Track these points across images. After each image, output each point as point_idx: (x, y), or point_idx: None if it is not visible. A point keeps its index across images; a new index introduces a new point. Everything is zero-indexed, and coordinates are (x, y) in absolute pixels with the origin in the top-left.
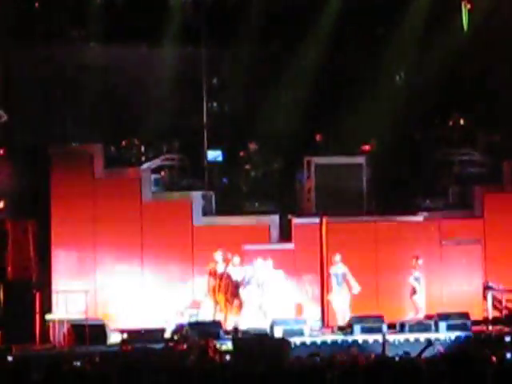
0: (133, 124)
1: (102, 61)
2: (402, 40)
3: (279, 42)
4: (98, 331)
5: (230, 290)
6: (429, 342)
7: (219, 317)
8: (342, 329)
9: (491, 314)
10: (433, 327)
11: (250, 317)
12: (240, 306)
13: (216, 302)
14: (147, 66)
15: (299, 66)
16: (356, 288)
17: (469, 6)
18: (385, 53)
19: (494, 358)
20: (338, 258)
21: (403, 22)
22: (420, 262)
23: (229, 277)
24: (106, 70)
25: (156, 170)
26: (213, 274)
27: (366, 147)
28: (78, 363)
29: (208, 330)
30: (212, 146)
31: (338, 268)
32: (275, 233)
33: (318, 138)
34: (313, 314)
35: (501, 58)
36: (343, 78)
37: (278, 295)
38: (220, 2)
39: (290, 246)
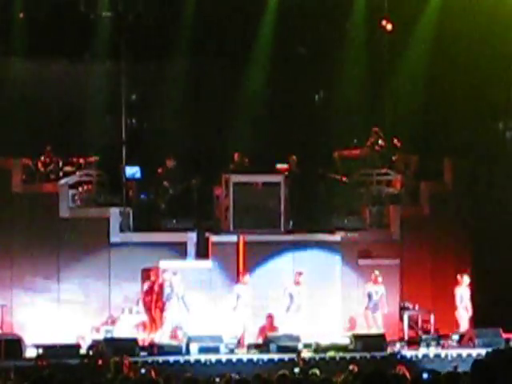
0: (51, 139)
1: (23, 75)
2: (322, 59)
3: (201, 58)
4: (14, 346)
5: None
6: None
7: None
8: (257, 347)
9: (407, 334)
10: (349, 346)
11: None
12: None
13: (153, 319)
14: (68, 81)
15: (219, 82)
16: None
17: (389, 27)
18: (304, 71)
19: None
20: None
21: (324, 41)
22: (301, 278)
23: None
24: (27, 84)
25: (74, 186)
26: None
27: (284, 166)
28: None
29: (123, 347)
30: (130, 163)
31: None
32: (192, 250)
33: (236, 156)
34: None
35: (421, 79)
36: (261, 96)
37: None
38: (141, 18)
39: (207, 263)
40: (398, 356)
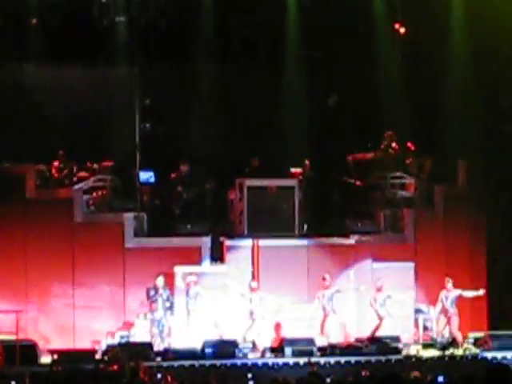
0: (65, 144)
1: (37, 81)
2: (335, 63)
3: (215, 65)
4: (29, 351)
5: None
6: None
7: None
8: (273, 351)
9: (422, 337)
10: (364, 350)
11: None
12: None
13: None
14: (82, 87)
15: (231, 89)
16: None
17: (402, 30)
18: (317, 75)
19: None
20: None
21: (339, 45)
22: (327, 282)
23: None
24: (41, 89)
25: (88, 191)
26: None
27: (298, 170)
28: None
29: (139, 352)
30: (144, 168)
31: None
32: (207, 254)
33: (254, 162)
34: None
35: (434, 83)
36: (275, 100)
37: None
38: (154, 23)
39: (222, 267)
40: (413, 359)
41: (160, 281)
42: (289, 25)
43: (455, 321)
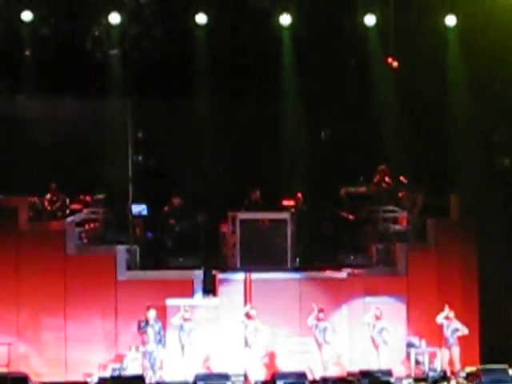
0: (58, 176)
1: (29, 113)
2: (328, 96)
3: (208, 99)
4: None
5: None
6: None
7: None
8: None
9: (414, 371)
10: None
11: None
12: None
13: None
14: (74, 119)
15: (223, 122)
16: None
17: (395, 65)
18: (311, 108)
19: None
20: None
21: (329, 79)
22: (322, 314)
23: None
24: (33, 122)
25: (80, 224)
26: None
27: (291, 203)
28: None
29: None
30: (137, 200)
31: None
32: (199, 287)
33: (253, 195)
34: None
35: (427, 117)
36: (268, 134)
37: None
38: (148, 56)
39: (214, 300)
40: None
41: (151, 313)
42: (284, 58)
43: (456, 351)
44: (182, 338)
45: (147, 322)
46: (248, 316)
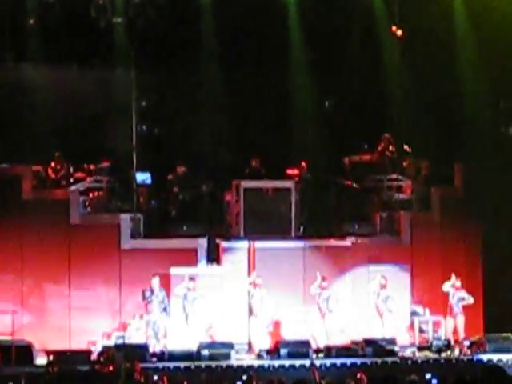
0: (62, 145)
1: (34, 81)
2: (332, 64)
3: (212, 68)
4: (25, 352)
5: None
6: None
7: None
8: (268, 353)
9: (418, 339)
10: (360, 352)
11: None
12: None
13: None
14: (78, 88)
15: (227, 90)
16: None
17: (400, 33)
18: (313, 78)
19: None
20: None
21: (334, 48)
22: (325, 283)
23: None
24: (37, 90)
25: (84, 192)
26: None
27: (295, 172)
28: None
29: (134, 353)
30: (141, 169)
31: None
32: (203, 256)
33: (254, 163)
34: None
35: (431, 85)
36: (272, 102)
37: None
38: (151, 25)
39: (218, 269)
40: (409, 361)
41: (155, 282)
42: (290, 27)
43: (461, 319)
44: (185, 307)
45: (152, 290)
46: (254, 284)
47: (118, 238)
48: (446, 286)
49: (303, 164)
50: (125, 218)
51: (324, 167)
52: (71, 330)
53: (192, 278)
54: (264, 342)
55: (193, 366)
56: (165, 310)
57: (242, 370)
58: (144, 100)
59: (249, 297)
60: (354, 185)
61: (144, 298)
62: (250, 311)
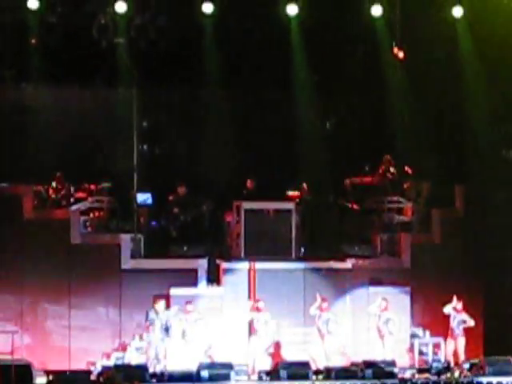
0: (63, 165)
1: (35, 101)
2: (333, 85)
3: (213, 88)
4: (24, 372)
5: None
6: None
7: None
8: (268, 374)
9: (417, 361)
10: (359, 374)
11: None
12: None
13: None
14: (80, 108)
15: (228, 111)
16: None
17: (401, 55)
18: (314, 100)
19: None
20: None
21: (336, 69)
22: (325, 304)
23: None
24: (38, 110)
25: (85, 212)
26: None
27: (295, 193)
28: None
29: (134, 373)
30: (141, 189)
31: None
32: (203, 277)
33: (248, 183)
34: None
35: (432, 107)
36: (273, 123)
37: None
38: (153, 46)
39: (218, 290)
40: (409, 383)
41: (161, 306)
42: (291, 47)
43: (461, 342)
44: (186, 329)
45: (157, 313)
46: (257, 309)
47: (119, 258)
48: (448, 309)
49: (304, 185)
50: (125, 239)
51: (325, 189)
52: (71, 350)
53: (189, 302)
54: (264, 363)
55: None
56: (166, 330)
57: None
58: (145, 120)
59: (254, 321)
60: (355, 206)
61: (147, 318)
62: (254, 333)
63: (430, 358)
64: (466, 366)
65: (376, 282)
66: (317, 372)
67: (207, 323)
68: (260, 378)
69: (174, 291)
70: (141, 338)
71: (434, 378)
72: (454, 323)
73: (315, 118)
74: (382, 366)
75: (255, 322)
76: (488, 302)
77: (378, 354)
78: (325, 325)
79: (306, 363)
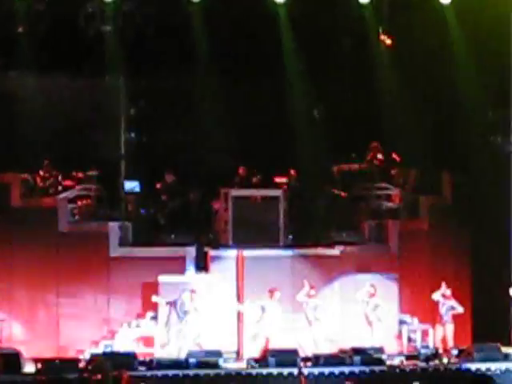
0: (50, 153)
1: (22, 89)
2: (321, 73)
3: (201, 75)
4: (13, 360)
5: None
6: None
7: None
8: (257, 361)
9: (406, 348)
10: (348, 361)
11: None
12: None
13: None
14: (67, 96)
15: (216, 98)
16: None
17: (388, 42)
18: (302, 87)
19: None
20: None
21: (323, 57)
22: (313, 291)
23: None
24: (25, 98)
25: (73, 200)
26: None
27: (283, 180)
28: None
29: (122, 361)
30: (129, 177)
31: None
32: (191, 264)
33: (241, 171)
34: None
35: (420, 94)
36: (260, 109)
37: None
38: (140, 33)
39: (206, 277)
40: (397, 370)
41: (187, 296)
42: (279, 35)
43: (450, 328)
44: (173, 315)
45: (183, 303)
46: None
47: (107, 246)
48: (436, 295)
49: (292, 172)
50: (113, 226)
51: (313, 176)
52: (59, 338)
53: (193, 290)
54: (251, 351)
55: (181, 375)
56: (155, 318)
57: (230, 378)
58: (133, 108)
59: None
60: (343, 193)
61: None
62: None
63: (418, 344)
64: (455, 352)
65: (364, 268)
66: (305, 359)
67: (195, 310)
68: (248, 365)
69: (163, 278)
70: (129, 325)
71: (423, 364)
72: (442, 310)
73: (303, 105)
74: (371, 352)
75: (313, 310)
76: (476, 288)
77: (366, 341)
78: (313, 312)
79: (294, 350)
